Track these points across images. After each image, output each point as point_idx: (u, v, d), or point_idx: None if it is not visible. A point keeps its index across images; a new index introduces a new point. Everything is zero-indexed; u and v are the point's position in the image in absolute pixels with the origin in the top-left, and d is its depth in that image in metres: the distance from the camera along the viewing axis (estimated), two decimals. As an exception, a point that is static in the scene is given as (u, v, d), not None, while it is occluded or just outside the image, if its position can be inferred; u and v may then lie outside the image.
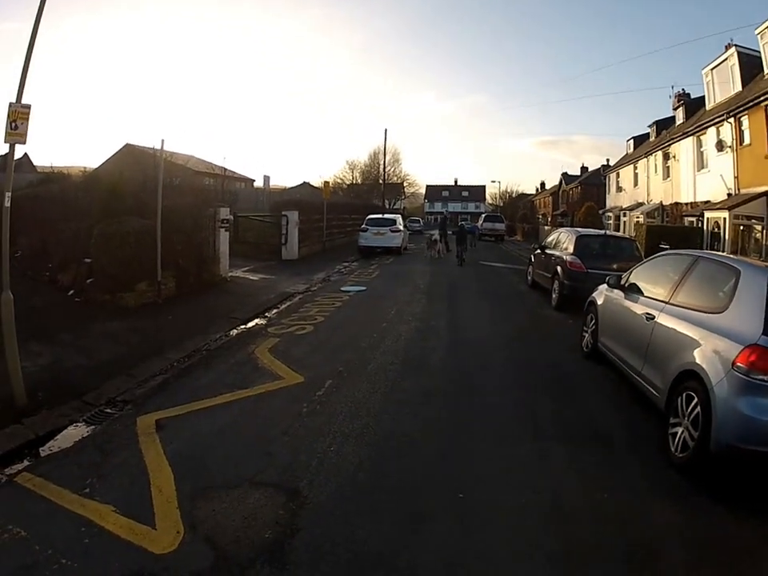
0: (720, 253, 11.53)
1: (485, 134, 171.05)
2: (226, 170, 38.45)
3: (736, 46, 20.72)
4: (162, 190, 10.72)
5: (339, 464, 4.60)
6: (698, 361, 5.04)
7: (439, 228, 29.03)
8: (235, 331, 9.32)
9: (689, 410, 4.98)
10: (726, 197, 19.62)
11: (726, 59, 21.43)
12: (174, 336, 8.45)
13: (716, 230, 19.58)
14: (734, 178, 19.29)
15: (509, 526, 3.93)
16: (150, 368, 7.04)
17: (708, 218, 20.30)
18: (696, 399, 4.89)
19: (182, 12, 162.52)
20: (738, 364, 4.54)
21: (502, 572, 3.48)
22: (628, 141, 38.86)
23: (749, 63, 19.91)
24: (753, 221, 17.96)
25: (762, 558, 3.79)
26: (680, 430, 5.08)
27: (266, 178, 38.26)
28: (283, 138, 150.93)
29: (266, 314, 10.83)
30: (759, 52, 18.79)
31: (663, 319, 6.01)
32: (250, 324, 9.94)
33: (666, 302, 6.14)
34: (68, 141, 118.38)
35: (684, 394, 5.14)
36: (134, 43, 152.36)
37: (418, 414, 5.86)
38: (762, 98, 16.89)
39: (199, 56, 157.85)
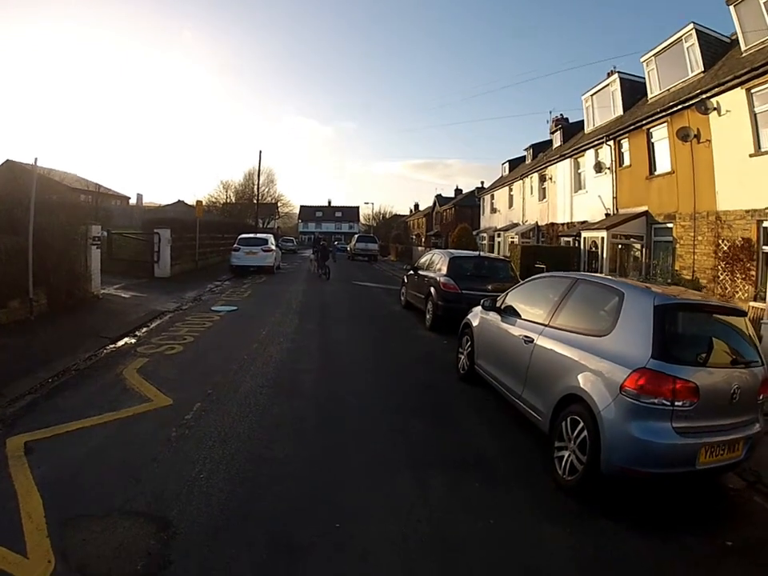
0: (599, 275, 11.66)
1: (361, 157, 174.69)
2: (100, 186, 36.47)
3: (618, 72, 21.08)
4: (35, 207, 10.00)
5: (210, 492, 4.37)
6: (581, 385, 4.85)
7: (312, 248, 30.36)
8: (105, 350, 8.78)
9: (575, 434, 4.79)
10: (604, 216, 19.84)
11: (607, 85, 21.73)
12: (45, 354, 7.86)
13: (593, 249, 19.41)
14: (613, 198, 19.67)
15: (392, 557, 3.72)
16: (20, 387, 6.53)
17: (585, 238, 20.11)
18: (582, 423, 4.71)
19: (53, 26, 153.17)
20: (627, 388, 4.39)
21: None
22: (503, 164, 38.55)
23: (630, 89, 20.38)
24: (632, 239, 18.12)
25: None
26: (566, 453, 4.88)
27: (139, 196, 36.97)
28: (160, 155, 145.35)
29: (136, 333, 10.30)
30: (642, 78, 19.16)
31: (543, 342, 5.75)
32: (120, 343, 9.42)
33: (546, 325, 5.86)
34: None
35: (569, 418, 4.93)
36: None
37: (290, 440, 5.62)
38: (644, 122, 17.26)
39: (81, 73, 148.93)
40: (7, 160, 30.82)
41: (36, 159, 10.34)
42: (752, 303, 10.75)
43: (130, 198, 48.14)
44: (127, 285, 16.16)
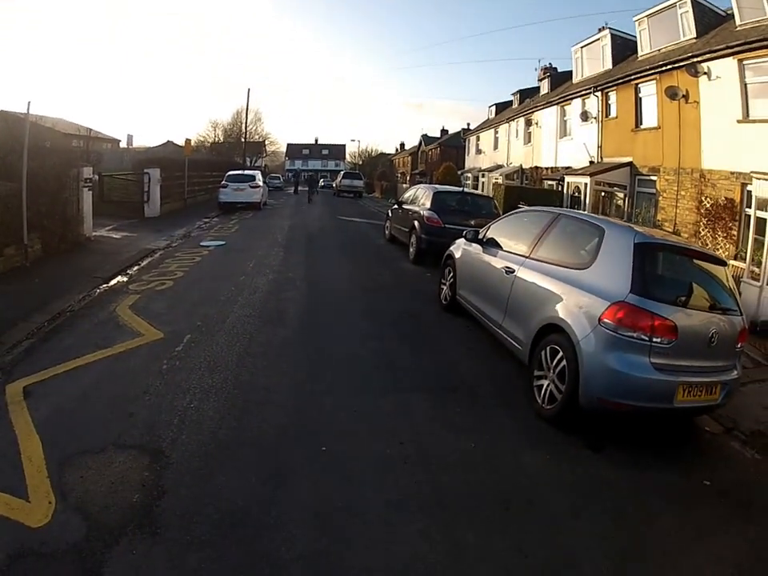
0: (580, 211, 11.50)
1: (350, 96, 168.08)
2: (91, 130, 35.18)
3: (610, 29, 20.26)
4: (28, 153, 9.36)
5: (200, 421, 4.28)
6: (561, 315, 4.76)
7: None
8: (98, 290, 8.47)
9: (554, 364, 4.73)
10: (589, 164, 18.99)
11: (598, 39, 20.80)
12: (41, 299, 7.51)
13: (576, 194, 18.73)
14: (598, 147, 18.87)
15: (376, 477, 3.71)
16: (18, 333, 6.23)
17: (569, 183, 19.32)
18: (561, 353, 4.64)
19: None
20: (605, 320, 4.33)
21: (374, 524, 3.26)
22: (490, 107, 36.76)
23: (621, 45, 19.60)
24: (615, 188, 17.49)
25: (648, 507, 3.73)
26: (546, 382, 4.82)
27: (129, 137, 35.50)
28: (149, 96, 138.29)
29: (128, 272, 9.96)
30: (633, 36, 18.45)
31: (524, 273, 5.64)
32: (113, 282, 9.10)
33: (527, 257, 5.75)
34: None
35: (548, 348, 4.85)
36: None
37: (276, 366, 5.54)
38: (633, 77, 16.58)
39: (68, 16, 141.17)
40: (1, 111, 29.68)
41: (29, 103, 9.61)
42: (733, 262, 10.41)
43: (120, 141, 46.22)
44: (118, 225, 15.61)
